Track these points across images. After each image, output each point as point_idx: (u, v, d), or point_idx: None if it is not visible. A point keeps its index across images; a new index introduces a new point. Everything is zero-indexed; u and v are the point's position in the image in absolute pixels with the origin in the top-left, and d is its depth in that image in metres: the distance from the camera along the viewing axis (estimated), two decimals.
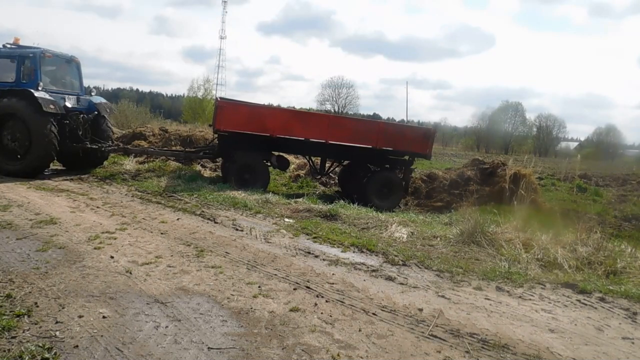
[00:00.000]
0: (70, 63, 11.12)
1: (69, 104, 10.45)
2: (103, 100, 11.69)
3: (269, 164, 10.68)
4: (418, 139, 10.65)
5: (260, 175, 10.15)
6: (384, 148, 10.32)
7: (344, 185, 11.68)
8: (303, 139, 10.04)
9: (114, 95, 53.74)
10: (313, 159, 11.58)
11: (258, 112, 10.70)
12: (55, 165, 11.26)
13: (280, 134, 9.98)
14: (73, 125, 10.58)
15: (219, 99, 11.34)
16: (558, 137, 65.87)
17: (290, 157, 12.81)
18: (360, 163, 11.10)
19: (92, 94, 12.16)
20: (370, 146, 10.20)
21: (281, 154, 10.95)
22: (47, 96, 9.62)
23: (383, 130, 10.51)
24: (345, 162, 11.60)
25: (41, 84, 9.84)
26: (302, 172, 12.87)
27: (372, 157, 10.69)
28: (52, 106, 9.53)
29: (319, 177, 12.10)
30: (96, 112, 11.16)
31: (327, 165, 11.49)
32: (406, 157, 10.90)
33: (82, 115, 10.81)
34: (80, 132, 10.69)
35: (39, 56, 9.98)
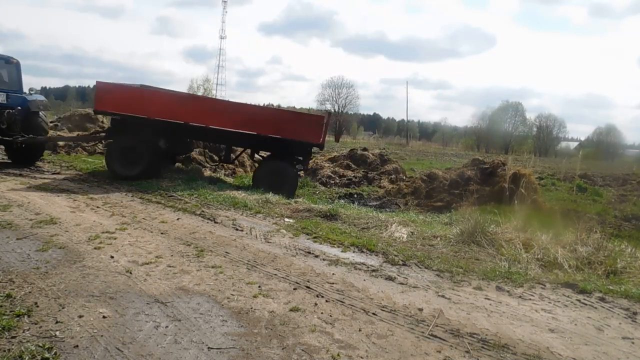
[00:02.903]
0: (10, 63, 11.68)
1: None
2: (39, 97, 12.14)
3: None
4: (308, 126, 9.95)
5: (144, 159, 10.03)
6: (271, 135, 9.81)
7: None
8: (182, 122, 9.89)
9: None
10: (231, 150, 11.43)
11: (138, 94, 10.60)
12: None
13: (159, 116, 9.86)
14: None
15: (97, 82, 11.22)
16: (558, 137, 65.95)
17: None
18: (252, 150, 10.97)
19: (32, 92, 12.51)
20: (254, 133, 9.83)
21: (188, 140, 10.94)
22: None
23: (269, 116, 10.17)
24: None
25: None
26: (302, 172, 12.88)
27: (263, 144, 10.39)
28: None
29: (216, 163, 12.11)
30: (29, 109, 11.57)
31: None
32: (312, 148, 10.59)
33: (7, 111, 11.14)
34: (4, 127, 11.07)
35: None
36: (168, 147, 10.70)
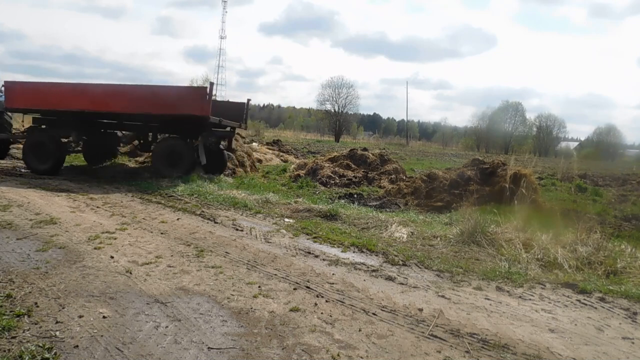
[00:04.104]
0: None
1: None
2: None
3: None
4: (192, 99, 9.95)
5: (53, 154, 10.48)
6: (161, 113, 10.05)
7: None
8: (79, 110, 10.24)
9: None
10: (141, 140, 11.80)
11: (42, 89, 10.97)
12: None
13: (62, 107, 10.31)
14: None
15: (4, 81, 11.76)
16: (558, 137, 66.03)
17: (291, 157, 12.99)
18: (154, 133, 11.30)
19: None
20: (143, 113, 10.05)
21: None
22: None
23: (152, 94, 10.19)
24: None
25: None
26: (302, 172, 12.88)
27: (162, 125, 10.77)
28: None
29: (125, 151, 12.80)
30: None
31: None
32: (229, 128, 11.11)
33: None
34: None
35: None
36: (89, 141, 11.55)
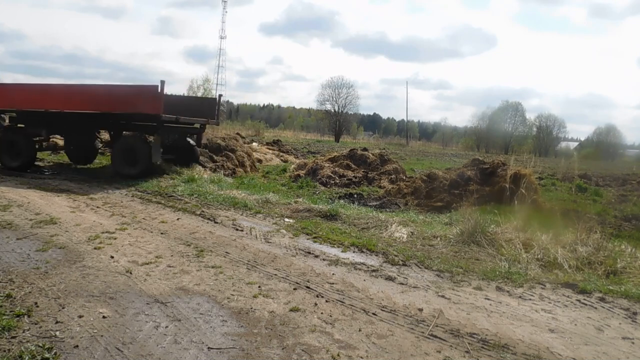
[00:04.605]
0: None
1: None
2: None
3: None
4: (145, 98, 9.99)
5: (23, 151, 10.93)
6: (118, 112, 10.29)
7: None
8: (43, 110, 10.62)
9: None
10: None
11: (11, 89, 11.49)
12: None
13: (28, 107, 10.75)
14: None
15: None
16: (558, 137, 66.03)
17: (291, 157, 13.06)
18: (115, 132, 11.48)
19: None
20: (99, 111, 10.34)
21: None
22: None
23: (107, 93, 10.55)
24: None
25: None
26: (302, 172, 12.88)
27: (122, 124, 11.00)
28: None
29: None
30: None
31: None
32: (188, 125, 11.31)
33: None
34: None
35: None
36: (67, 140, 12.02)
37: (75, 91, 11.02)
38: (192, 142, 11.78)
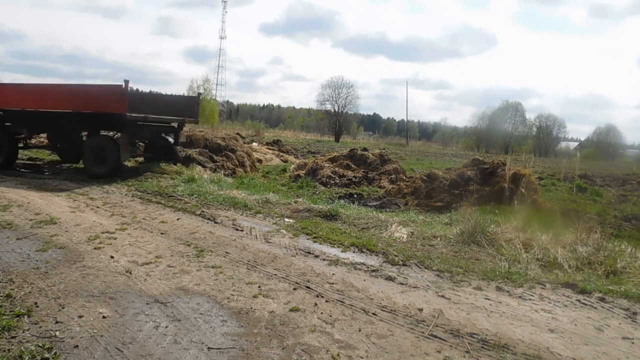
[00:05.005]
0: None
1: None
2: None
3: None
4: (110, 97, 10.10)
5: (4, 149, 11.16)
6: (87, 111, 10.28)
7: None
8: (20, 109, 10.82)
9: None
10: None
11: None
12: None
13: (7, 106, 11.02)
14: None
15: None
16: (558, 137, 66.07)
17: (291, 157, 13.11)
18: (88, 131, 11.60)
19: None
20: (76, 111, 10.33)
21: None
22: None
23: (74, 92, 10.62)
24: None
25: None
26: (302, 172, 12.88)
27: (93, 123, 10.93)
28: None
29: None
30: None
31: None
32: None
33: None
34: None
35: None
36: (52, 139, 12.02)
37: (47, 90, 11.15)
38: (170, 140, 11.85)
